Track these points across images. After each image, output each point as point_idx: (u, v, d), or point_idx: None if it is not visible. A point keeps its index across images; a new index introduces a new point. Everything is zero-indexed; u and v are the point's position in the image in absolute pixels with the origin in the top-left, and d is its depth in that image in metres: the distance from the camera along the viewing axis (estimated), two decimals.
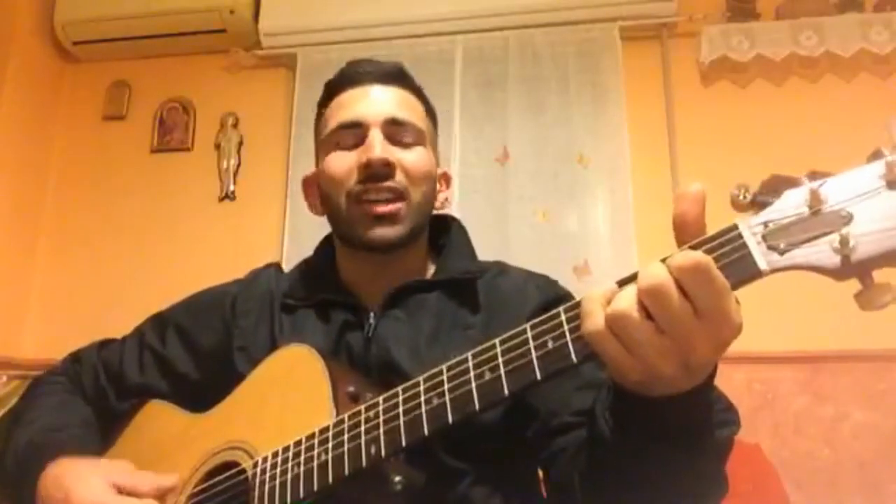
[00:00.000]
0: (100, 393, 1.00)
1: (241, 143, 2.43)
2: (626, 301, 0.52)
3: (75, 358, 1.05)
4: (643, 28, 2.25)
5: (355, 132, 0.91)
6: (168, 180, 2.44)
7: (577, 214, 2.15)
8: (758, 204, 2.05)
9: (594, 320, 0.53)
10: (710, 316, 0.50)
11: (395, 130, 0.91)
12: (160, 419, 0.96)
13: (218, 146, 2.44)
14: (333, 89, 0.96)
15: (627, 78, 2.20)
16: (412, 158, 0.91)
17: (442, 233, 1.01)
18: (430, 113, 1.00)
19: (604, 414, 0.63)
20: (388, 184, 0.88)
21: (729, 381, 1.96)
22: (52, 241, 2.46)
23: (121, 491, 0.80)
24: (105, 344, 1.06)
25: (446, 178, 1.03)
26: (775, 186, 2.08)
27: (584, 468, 0.70)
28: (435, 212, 0.99)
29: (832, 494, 1.89)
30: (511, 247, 2.10)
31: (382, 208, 0.87)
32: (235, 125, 2.45)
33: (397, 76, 0.96)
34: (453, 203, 2.14)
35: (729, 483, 0.66)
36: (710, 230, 0.53)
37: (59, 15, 2.43)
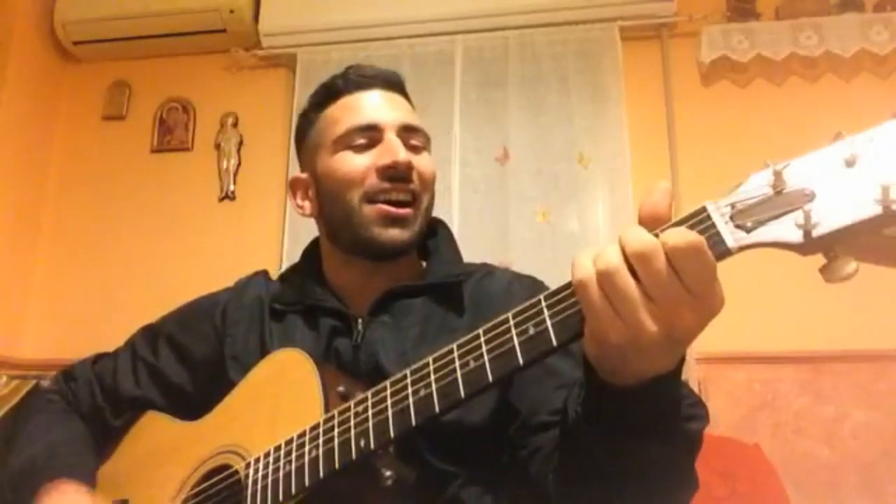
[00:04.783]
0: (97, 412, 1.00)
1: (241, 143, 2.43)
2: (615, 256, 0.52)
3: (69, 376, 1.05)
4: (643, 28, 2.25)
5: (369, 134, 0.92)
6: (168, 180, 2.44)
7: (577, 214, 2.15)
8: None
9: (584, 270, 0.53)
10: (699, 293, 0.51)
11: (408, 135, 0.93)
12: (156, 429, 0.97)
13: (218, 146, 2.44)
14: (337, 92, 0.96)
15: (627, 78, 2.20)
16: (425, 163, 0.94)
17: (428, 235, 1.01)
18: None
19: (575, 408, 0.63)
20: (409, 186, 0.90)
21: (729, 381, 1.97)
22: (52, 241, 2.46)
23: None
24: (98, 359, 1.06)
25: None
26: None
27: (557, 463, 0.70)
28: None
29: (832, 494, 1.89)
30: (511, 247, 2.10)
31: (399, 210, 0.89)
32: (235, 125, 2.45)
33: (399, 84, 0.99)
34: (453, 203, 2.14)
35: (699, 481, 0.66)
36: None
37: (59, 15, 2.44)
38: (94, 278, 2.39)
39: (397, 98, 0.97)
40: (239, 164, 2.42)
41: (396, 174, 0.89)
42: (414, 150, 0.93)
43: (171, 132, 2.49)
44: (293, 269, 1.04)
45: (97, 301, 2.34)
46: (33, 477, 0.86)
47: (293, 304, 0.95)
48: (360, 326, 0.90)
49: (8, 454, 0.93)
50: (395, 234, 0.89)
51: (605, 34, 2.22)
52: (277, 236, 2.30)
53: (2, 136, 2.31)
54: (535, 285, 0.96)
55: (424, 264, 1.00)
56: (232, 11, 2.34)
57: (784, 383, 1.98)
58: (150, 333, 1.03)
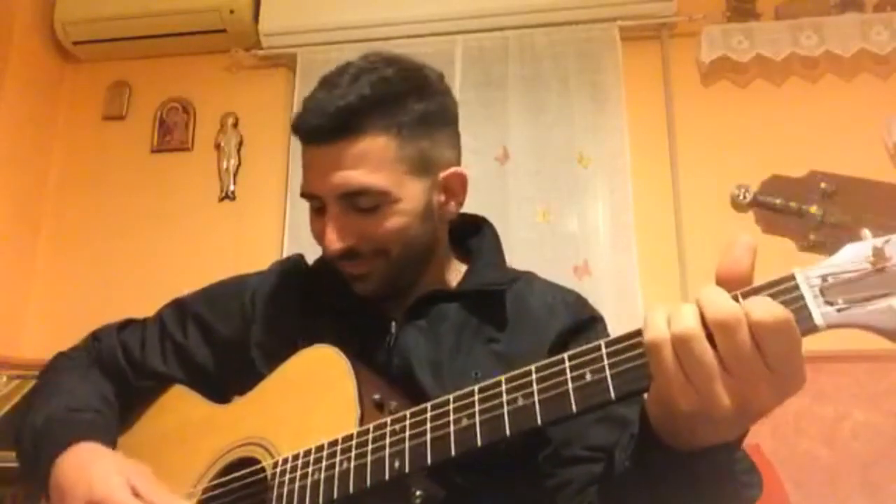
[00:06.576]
0: (119, 372, 1.00)
1: (241, 143, 2.43)
2: (692, 320, 0.49)
3: (95, 336, 1.05)
4: (643, 28, 2.25)
5: (317, 201, 0.85)
6: (168, 180, 2.44)
7: (577, 214, 2.15)
8: (758, 204, 2.05)
9: (657, 330, 0.50)
10: (781, 371, 0.48)
11: (352, 201, 0.82)
12: (183, 405, 0.96)
13: (218, 146, 2.44)
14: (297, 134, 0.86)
15: (627, 78, 2.20)
16: (377, 226, 0.82)
17: (472, 234, 0.97)
18: (412, 129, 0.84)
19: (624, 460, 0.61)
20: (354, 262, 0.85)
21: None
22: (52, 241, 2.46)
23: (137, 495, 0.79)
24: (125, 326, 1.05)
25: (458, 179, 0.94)
26: (776, 186, 2.08)
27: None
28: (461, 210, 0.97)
29: (832, 494, 1.89)
30: (511, 247, 2.09)
31: (353, 270, 0.85)
32: (235, 125, 2.45)
33: (347, 123, 0.80)
34: None
35: None
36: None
37: (59, 15, 2.43)
38: (94, 278, 2.39)
39: (341, 150, 0.80)
40: (239, 164, 2.42)
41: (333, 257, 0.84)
42: (364, 212, 0.82)
43: (171, 132, 2.48)
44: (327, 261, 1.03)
45: (97, 301, 2.33)
46: (55, 435, 0.85)
47: (326, 300, 0.93)
48: (393, 329, 0.88)
49: (32, 408, 0.92)
50: (360, 287, 0.87)
51: (605, 34, 2.22)
52: (277, 236, 2.30)
53: (2, 136, 2.31)
54: (579, 305, 0.92)
55: (465, 266, 0.96)
56: (232, 11, 2.34)
57: None
58: (180, 310, 1.02)
